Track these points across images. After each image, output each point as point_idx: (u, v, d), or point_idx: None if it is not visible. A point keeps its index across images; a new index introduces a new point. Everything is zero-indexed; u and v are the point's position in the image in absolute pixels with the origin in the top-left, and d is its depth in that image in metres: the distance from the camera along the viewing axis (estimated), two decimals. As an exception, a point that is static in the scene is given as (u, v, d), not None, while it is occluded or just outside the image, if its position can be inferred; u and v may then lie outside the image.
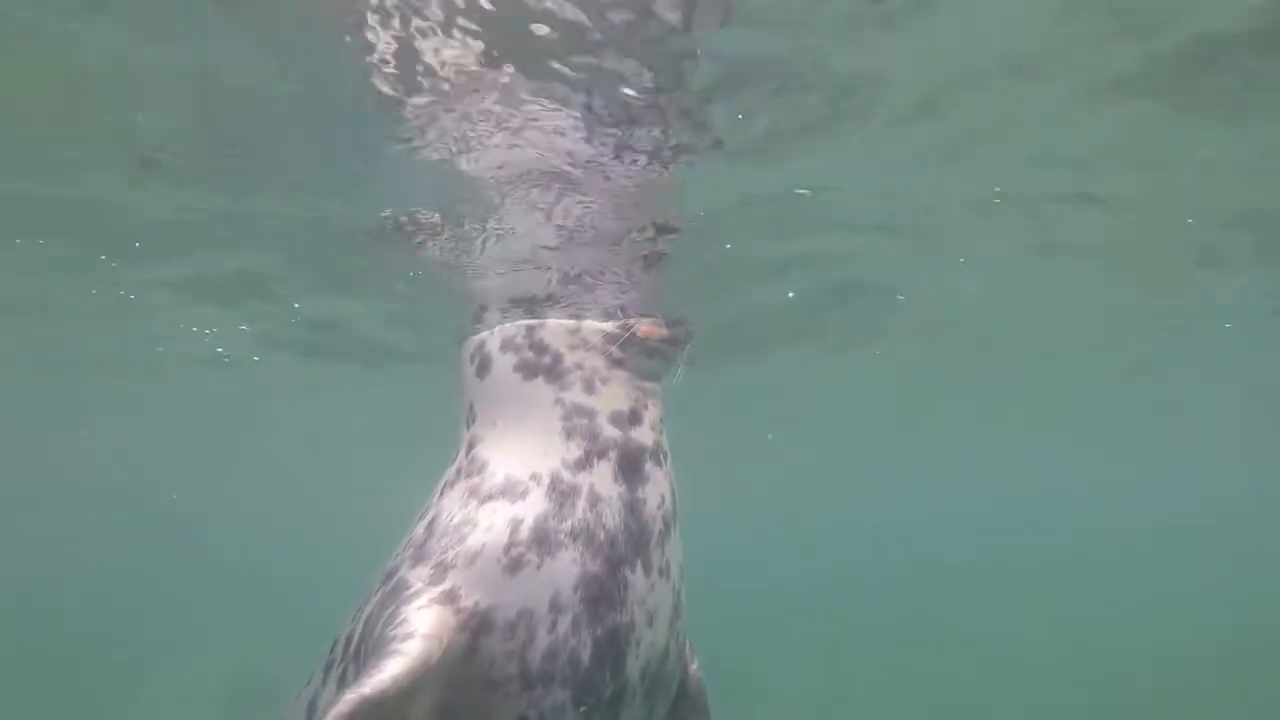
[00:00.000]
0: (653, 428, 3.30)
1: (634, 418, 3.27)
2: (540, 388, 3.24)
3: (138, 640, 20.28)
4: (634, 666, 2.85)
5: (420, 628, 2.57)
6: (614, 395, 3.27)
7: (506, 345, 3.37)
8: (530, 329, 3.38)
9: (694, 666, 3.44)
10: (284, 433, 17.77)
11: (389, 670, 2.43)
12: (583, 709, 2.73)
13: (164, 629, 21.53)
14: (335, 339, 10.13)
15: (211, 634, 18.85)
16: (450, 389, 3.57)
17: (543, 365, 3.28)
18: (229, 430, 17.57)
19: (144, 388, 13.57)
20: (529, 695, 2.61)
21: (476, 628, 2.61)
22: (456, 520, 2.87)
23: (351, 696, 2.39)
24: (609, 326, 3.42)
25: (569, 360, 3.29)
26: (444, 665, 2.56)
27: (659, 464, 3.25)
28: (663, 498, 3.19)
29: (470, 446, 3.22)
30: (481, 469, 3.07)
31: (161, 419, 16.35)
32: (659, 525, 3.11)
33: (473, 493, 2.94)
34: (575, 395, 3.24)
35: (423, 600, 2.66)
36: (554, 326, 3.38)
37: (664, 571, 3.06)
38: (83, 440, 19.12)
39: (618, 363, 3.32)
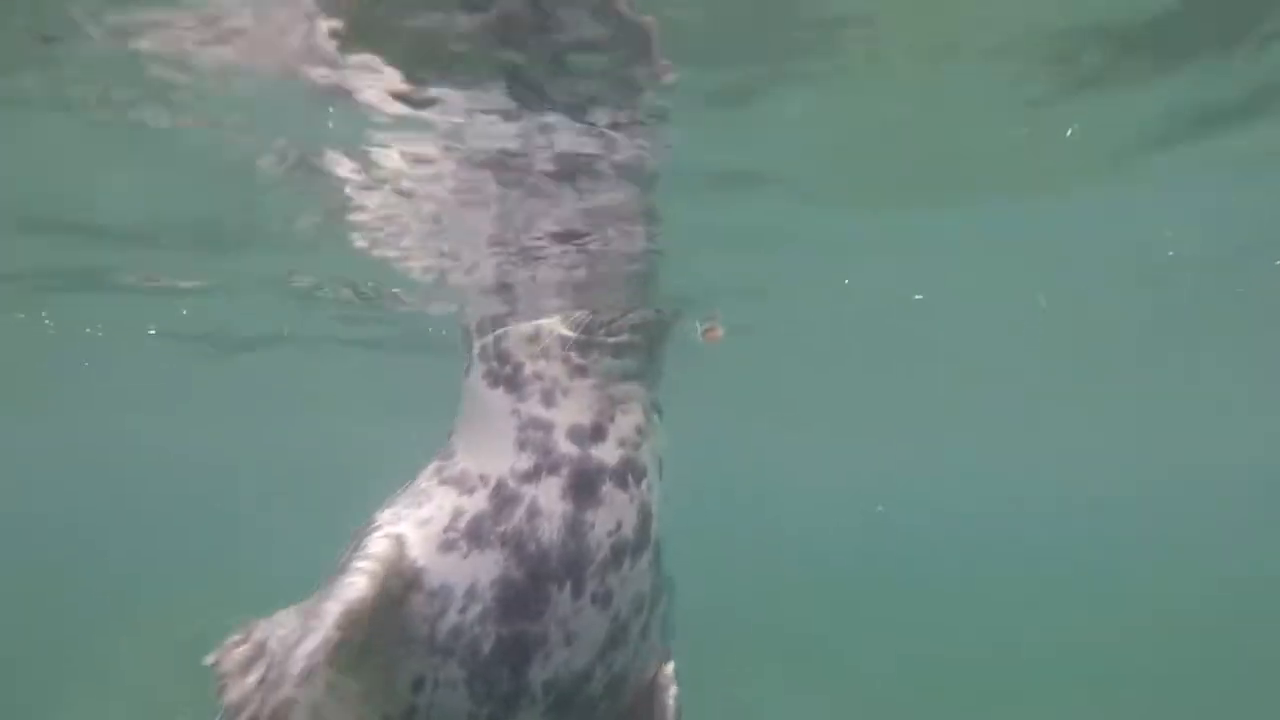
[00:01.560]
0: (621, 443, 3.20)
1: (596, 433, 3.20)
2: (500, 397, 3.26)
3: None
4: (537, 675, 2.99)
5: (378, 551, 2.88)
6: (575, 408, 3.22)
7: (483, 353, 3.38)
8: (497, 338, 3.35)
9: (668, 695, 3.42)
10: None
11: (358, 584, 2.74)
12: (476, 692, 2.89)
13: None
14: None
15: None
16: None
17: (504, 375, 3.29)
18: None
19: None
20: (430, 660, 2.87)
21: (410, 581, 2.86)
22: (421, 488, 3.14)
23: (333, 606, 2.67)
24: (565, 329, 3.31)
25: (529, 370, 3.25)
26: (380, 604, 2.79)
27: (623, 486, 3.15)
28: (618, 524, 3.12)
29: (451, 433, 3.38)
30: (450, 455, 3.28)
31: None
32: (604, 552, 3.07)
33: (438, 472, 3.24)
34: (532, 407, 3.22)
35: (384, 532, 2.97)
36: (515, 335, 3.32)
37: (600, 599, 3.06)
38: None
39: (580, 370, 3.23)
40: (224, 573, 16.90)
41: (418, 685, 2.89)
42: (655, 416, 3.41)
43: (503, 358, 3.30)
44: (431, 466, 3.24)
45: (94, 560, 21.41)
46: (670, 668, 3.53)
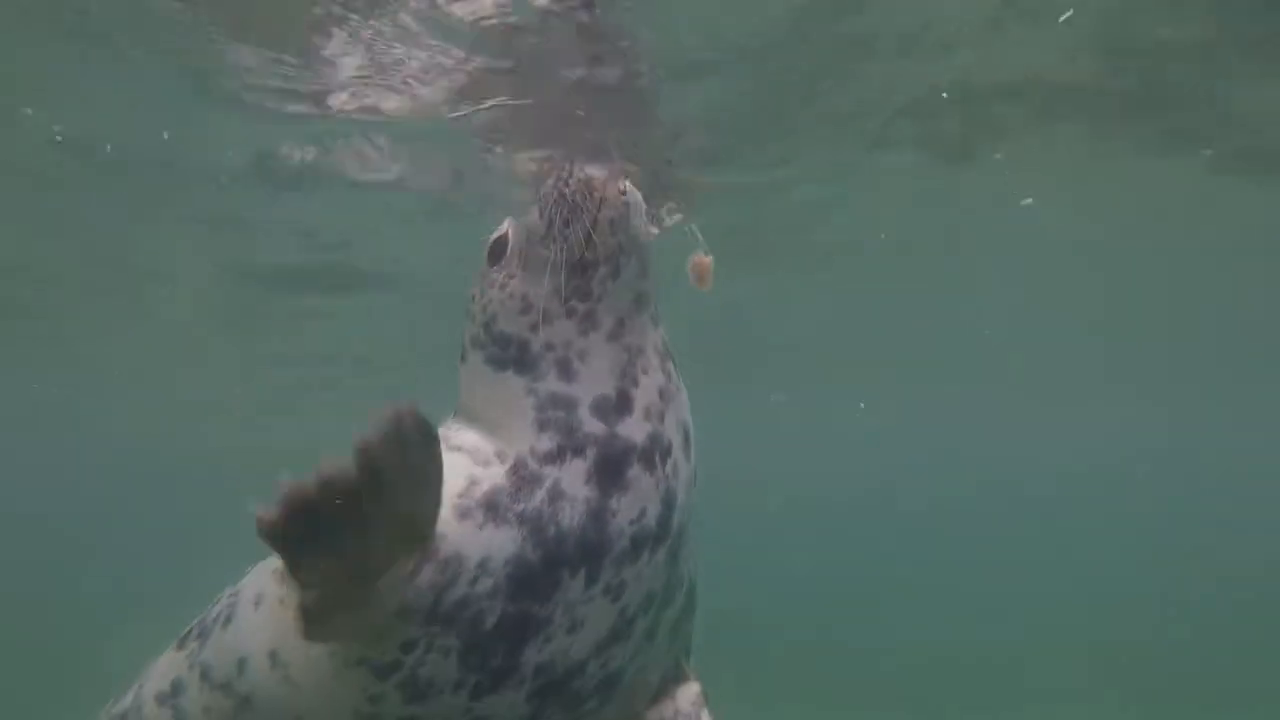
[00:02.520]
0: (647, 414, 2.86)
1: (622, 402, 2.85)
2: (512, 379, 2.90)
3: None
4: (531, 656, 2.79)
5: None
6: (596, 374, 2.86)
7: (475, 340, 3.02)
8: (487, 324, 2.98)
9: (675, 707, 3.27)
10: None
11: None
12: (468, 663, 2.74)
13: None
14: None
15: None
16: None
17: (510, 357, 2.92)
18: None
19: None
20: (429, 629, 2.69)
21: (425, 549, 2.65)
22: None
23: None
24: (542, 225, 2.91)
25: (536, 343, 2.89)
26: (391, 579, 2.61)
27: (649, 468, 2.84)
28: (642, 512, 2.82)
29: (454, 413, 3.07)
30: (454, 429, 2.98)
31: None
32: (624, 543, 2.80)
33: (444, 440, 2.77)
34: (550, 384, 2.86)
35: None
36: (503, 309, 2.95)
37: (612, 591, 2.84)
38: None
39: (589, 319, 2.87)
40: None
41: (408, 647, 2.69)
42: (672, 367, 3.05)
43: (503, 342, 2.94)
44: (449, 427, 2.99)
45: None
46: (697, 689, 3.33)
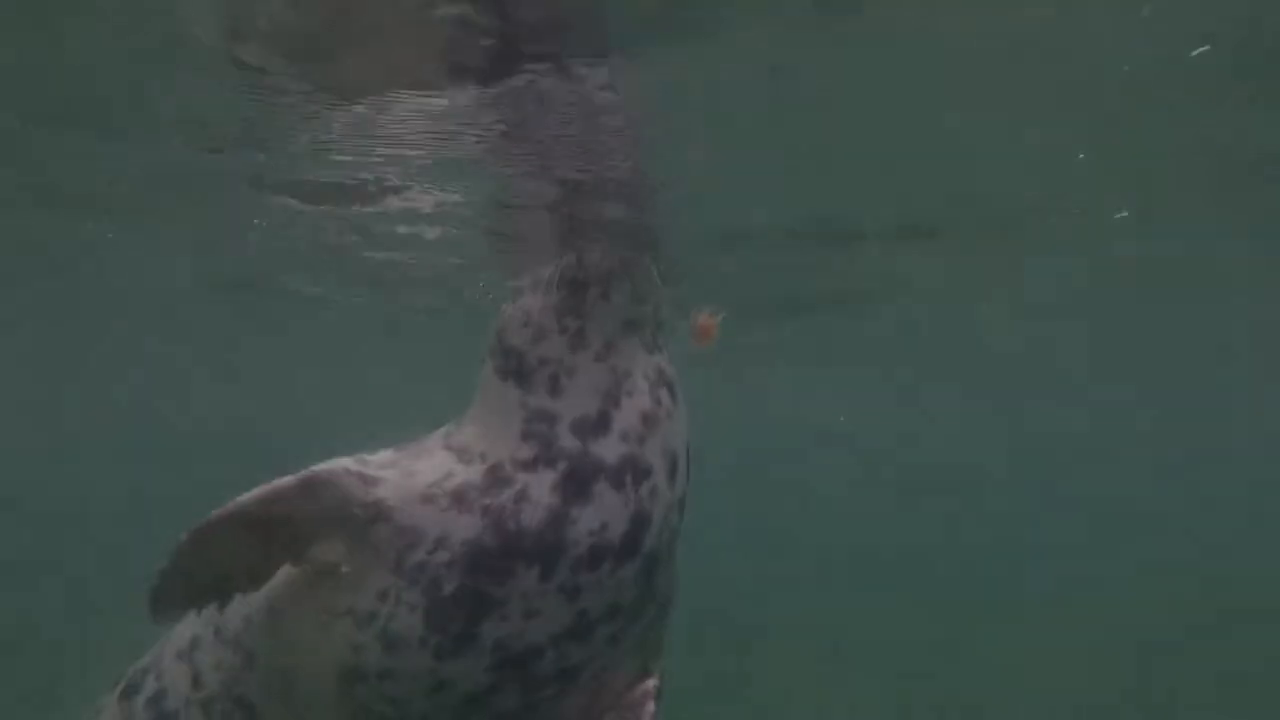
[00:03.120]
0: (624, 437, 3.16)
1: (601, 423, 3.17)
2: (511, 390, 3.28)
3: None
4: (490, 632, 3.11)
5: (315, 467, 3.19)
6: (580, 392, 3.20)
7: (491, 350, 3.40)
8: (499, 334, 3.38)
9: (644, 710, 3.51)
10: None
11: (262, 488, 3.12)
12: (432, 622, 3.10)
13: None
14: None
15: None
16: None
17: (512, 369, 3.30)
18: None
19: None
20: (396, 580, 3.11)
21: (374, 515, 3.12)
22: (426, 446, 3.36)
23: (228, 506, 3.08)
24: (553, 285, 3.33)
25: (532, 357, 3.26)
26: (344, 519, 3.14)
27: (619, 487, 3.13)
28: (604, 525, 3.12)
29: (468, 410, 3.44)
30: (459, 426, 3.39)
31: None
32: (581, 549, 3.11)
33: (446, 436, 3.36)
34: (540, 399, 3.22)
35: (352, 469, 3.22)
36: (511, 325, 3.34)
37: (567, 591, 3.13)
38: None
39: (579, 338, 3.23)
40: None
41: (383, 595, 3.11)
42: (665, 394, 3.32)
43: (508, 353, 3.31)
44: (442, 430, 3.39)
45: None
46: (652, 684, 3.55)
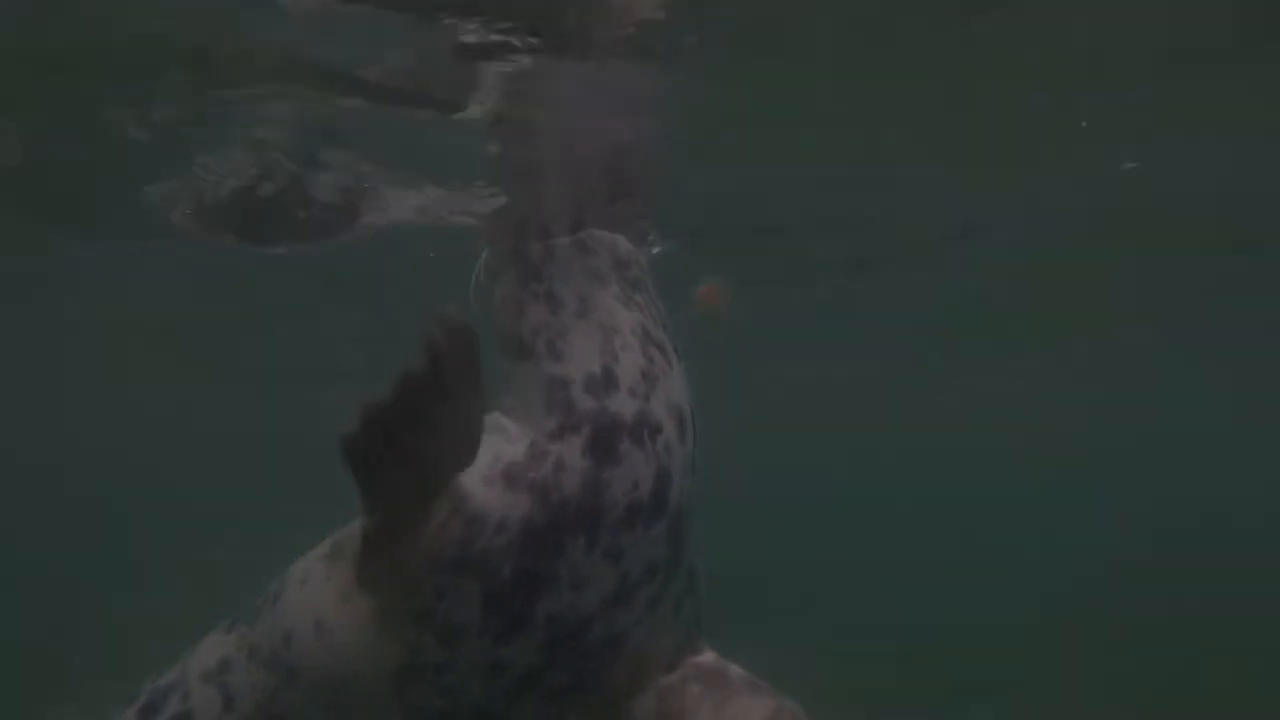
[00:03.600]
0: (632, 392, 3.28)
1: (608, 379, 3.28)
2: (523, 367, 3.41)
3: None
4: (543, 608, 3.18)
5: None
6: (580, 351, 3.33)
7: (498, 344, 3.51)
8: (500, 325, 3.51)
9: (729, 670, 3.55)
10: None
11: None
12: (489, 609, 3.14)
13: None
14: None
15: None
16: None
17: (513, 349, 3.45)
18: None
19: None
20: (456, 577, 3.11)
21: (456, 504, 3.11)
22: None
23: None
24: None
25: (524, 331, 3.42)
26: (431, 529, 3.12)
27: (639, 444, 3.25)
28: (635, 484, 3.24)
29: (501, 404, 3.54)
30: (500, 413, 3.47)
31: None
32: (619, 511, 3.21)
33: (492, 423, 3.39)
34: (548, 366, 3.35)
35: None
36: (498, 309, 3.49)
37: (611, 555, 3.22)
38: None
39: (552, 299, 3.39)
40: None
41: (440, 593, 3.13)
42: (656, 352, 3.44)
43: (506, 336, 3.46)
44: (489, 418, 3.44)
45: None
46: (712, 655, 3.60)
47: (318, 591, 3.25)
